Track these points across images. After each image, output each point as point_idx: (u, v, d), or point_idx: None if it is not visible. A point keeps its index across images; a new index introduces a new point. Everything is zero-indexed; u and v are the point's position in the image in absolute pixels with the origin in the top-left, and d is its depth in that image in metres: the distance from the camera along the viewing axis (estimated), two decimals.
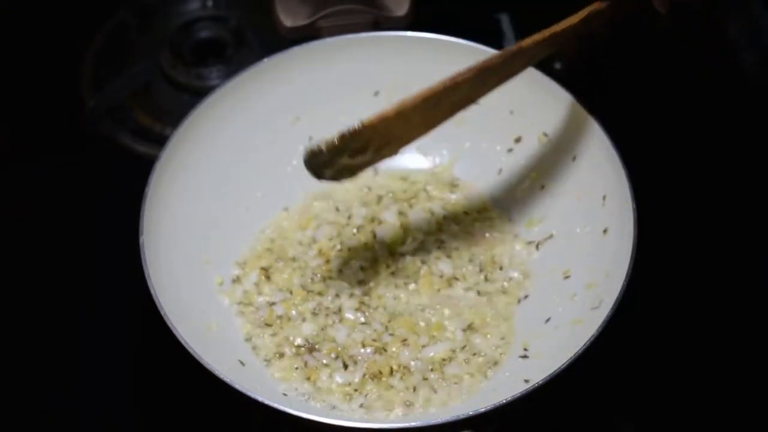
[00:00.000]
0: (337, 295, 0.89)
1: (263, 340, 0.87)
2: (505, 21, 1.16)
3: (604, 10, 0.79)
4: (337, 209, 0.96)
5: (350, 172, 0.79)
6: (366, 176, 0.98)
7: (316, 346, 0.86)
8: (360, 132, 0.75)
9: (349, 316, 0.88)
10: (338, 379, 0.84)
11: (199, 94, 0.96)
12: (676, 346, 0.91)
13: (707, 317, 0.92)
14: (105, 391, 0.89)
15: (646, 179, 0.85)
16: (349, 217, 0.95)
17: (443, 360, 0.85)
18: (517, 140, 0.95)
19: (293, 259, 0.92)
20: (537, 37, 0.79)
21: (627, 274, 0.78)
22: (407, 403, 0.83)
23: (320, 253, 0.93)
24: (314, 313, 0.88)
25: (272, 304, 0.89)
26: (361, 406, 0.82)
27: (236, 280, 0.91)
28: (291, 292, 0.90)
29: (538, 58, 0.81)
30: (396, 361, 0.85)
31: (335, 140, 0.75)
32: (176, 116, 0.90)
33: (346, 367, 0.85)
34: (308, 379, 0.84)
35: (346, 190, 0.97)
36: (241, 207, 0.94)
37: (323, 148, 0.75)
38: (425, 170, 0.99)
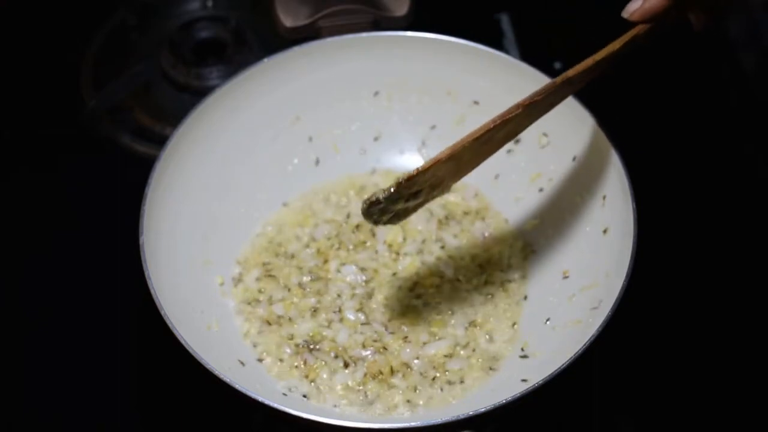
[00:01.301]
0: (339, 296, 0.89)
1: (263, 340, 0.87)
2: (505, 21, 1.16)
3: (645, 33, 0.80)
4: (337, 206, 0.96)
5: (405, 214, 0.80)
6: (364, 175, 0.98)
7: (317, 346, 0.86)
8: (415, 177, 0.76)
9: (349, 316, 0.88)
10: (338, 378, 0.84)
11: (199, 94, 0.96)
12: (676, 346, 0.91)
13: (707, 317, 0.92)
14: (105, 391, 0.89)
15: (646, 179, 0.85)
16: (348, 216, 0.95)
17: (445, 356, 0.85)
18: (517, 141, 0.95)
19: (293, 257, 0.92)
20: (581, 66, 0.80)
21: (627, 274, 0.78)
22: (408, 402, 0.83)
23: (319, 252, 0.93)
24: (314, 313, 0.88)
25: (272, 303, 0.89)
26: (362, 405, 0.83)
27: (236, 279, 0.91)
28: (290, 291, 0.90)
29: (581, 85, 0.83)
30: (397, 360, 0.85)
31: (392, 188, 0.75)
32: (176, 116, 0.90)
33: (346, 366, 0.85)
34: (308, 377, 0.84)
35: (345, 190, 0.97)
36: (241, 207, 0.94)
37: (381, 197, 0.75)
38: None
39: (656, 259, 0.87)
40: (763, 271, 0.96)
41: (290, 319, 0.88)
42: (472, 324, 0.87)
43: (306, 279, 0.91)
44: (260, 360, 0.86)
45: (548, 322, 0.86)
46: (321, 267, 0.91)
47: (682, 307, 0.93)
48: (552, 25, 1.16)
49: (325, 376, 0.84)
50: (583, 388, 0.86)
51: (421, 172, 0.75)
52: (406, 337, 0.86)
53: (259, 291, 0.90)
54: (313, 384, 0.84)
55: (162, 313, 0.77)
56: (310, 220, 0.95)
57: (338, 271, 0.91)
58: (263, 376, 0.84)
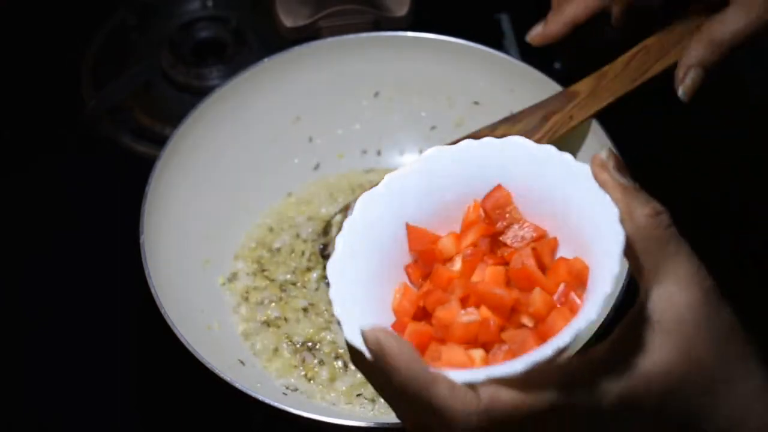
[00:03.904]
0: None
1: (263, 339, 0.87)
2: (505, 21, 1.16)
3: None
4: (331, 206, 0.96)
5: None
6: (364, 175, 0.98)
7: (316, 346, 0.86)
8: None
9: None
10: (339, 377, 0.84)
11: (199, 94, 0.96)
12: None
13: None
14: (105, 391, 0.89)
15: (646, 179, 0.85)
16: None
17: None
18: None
19: (291, 257, 0.92)
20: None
21: (627, 274, 0.78)
22: None
23: (300, 254, 0.93)
24: (313, 314, 0.88)
25: (271, 302, 0.89)
26: (362, 404, 0.82)
27: (236, 277, 0.91)
28: (289, 290, 0.90)
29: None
30: None
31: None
32: (176, 116, 0.90)
33: (346, 366, 0.85)
34: (307, 376, 0.84)
35: (344, 190, 0.97)
36: (241, 206, 0.94)
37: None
38: None
39: None
40: (763, 272, 0.96)
41: (286, 319, 0.88)
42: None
43: (291, 277, 0.90)
44: (260, 359, 0.85)
45: None
46: (304, 273, 0.91)
47: None
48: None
49: (324, 375, 0.84)
50: None
51: None
52: None
53: (255, 289, 0.90)
54: (313, 383, 0.84)
55: (162, 312, 0.77)
56: (301, 219, 0.95)
57: (318, 282, 0.91)
58: (263, 376, 0.84)
